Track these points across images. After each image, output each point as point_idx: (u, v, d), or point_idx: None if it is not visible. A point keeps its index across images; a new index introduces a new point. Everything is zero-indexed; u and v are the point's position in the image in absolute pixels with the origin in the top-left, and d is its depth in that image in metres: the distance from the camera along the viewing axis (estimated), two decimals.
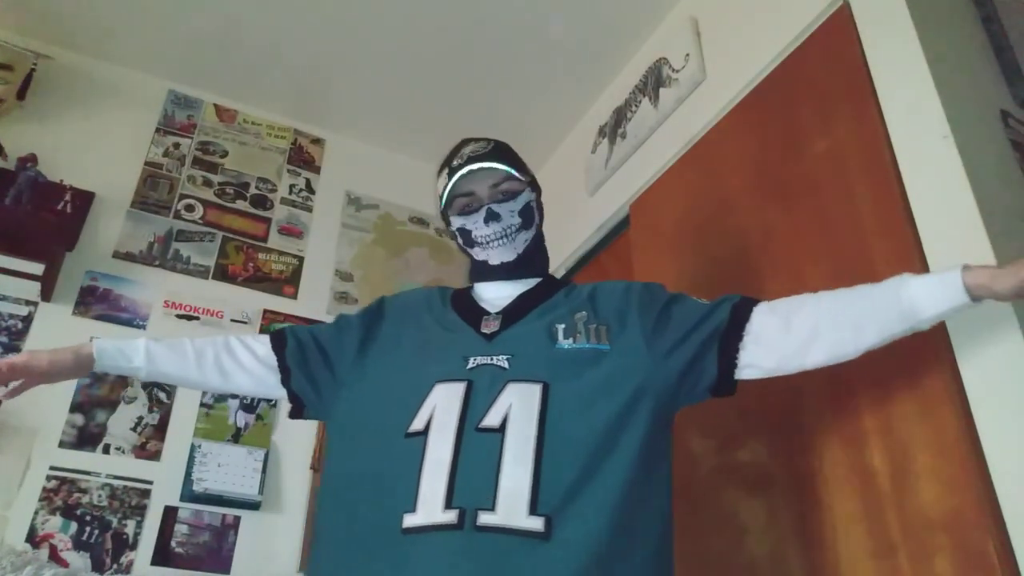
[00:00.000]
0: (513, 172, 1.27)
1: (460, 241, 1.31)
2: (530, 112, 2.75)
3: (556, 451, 1.02)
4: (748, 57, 1.89)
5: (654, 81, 2.29)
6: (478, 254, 1.29)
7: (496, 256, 1.27)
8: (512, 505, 0.98)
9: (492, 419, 1.04)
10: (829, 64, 1.64)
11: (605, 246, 2.49)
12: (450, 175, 1.26)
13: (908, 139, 1.40)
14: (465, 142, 1.31)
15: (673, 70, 2.20)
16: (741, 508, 1.58)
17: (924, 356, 1.26)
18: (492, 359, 1.13)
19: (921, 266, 1.30)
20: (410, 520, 0.99)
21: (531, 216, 1.29)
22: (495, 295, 1.28)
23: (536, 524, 0.97)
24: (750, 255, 1.74)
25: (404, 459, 1.05)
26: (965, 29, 1.58)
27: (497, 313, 1.23)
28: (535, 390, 1.07)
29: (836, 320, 1.06)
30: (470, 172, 1.24)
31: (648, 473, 1.08)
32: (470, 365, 1.13)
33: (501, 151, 1.29)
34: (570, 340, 1.15)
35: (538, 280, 1.30)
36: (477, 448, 1.03)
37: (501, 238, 1.25)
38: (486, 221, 1.24)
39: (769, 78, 1.82)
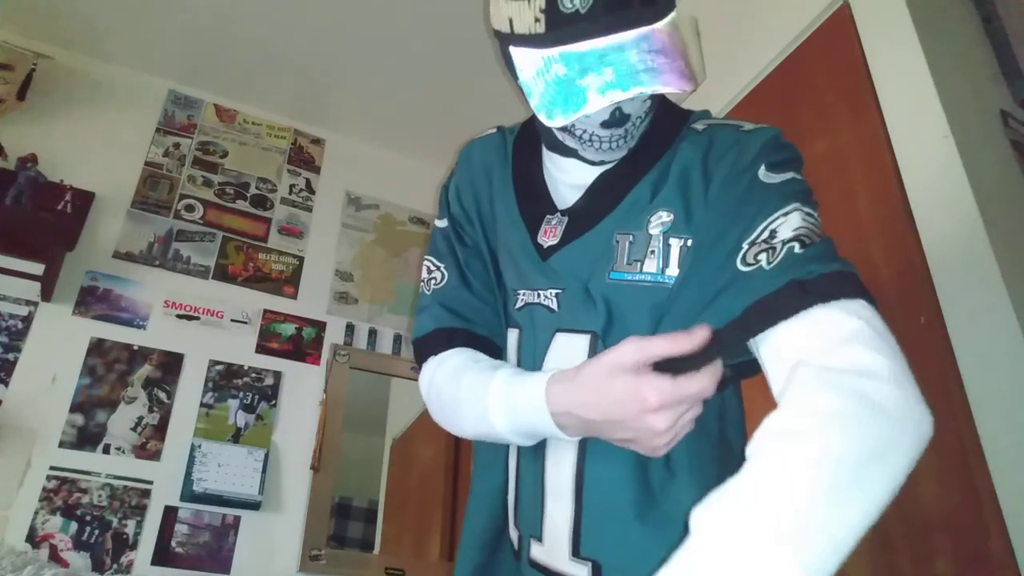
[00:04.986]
0: (670, 31, 0.70)
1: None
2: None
3: (599, 467, 0.71)
4: (748, 57, 1.89)
5: None
6: (567, 140, 0.79)
7: (597, 156, 0.79)
8: (555, 541, 0.71)
9: None
10: (829, 64, 1.64)
11: None
12: (550, 23, 0.69)
13: (908, 139, 1.40)
14: None
15: None
16: None
17: (924, 356, 1.26)
18: (539, 295, 0.77)
19: (921, 266, 1.30)
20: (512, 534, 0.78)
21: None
22: (574, 180, 0.83)
23: (581, 572, 0.69)
24: None
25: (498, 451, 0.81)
26: (965, 29, 1.58)
27: (563, 213, 0.81)
28: (582, 346, 0.72)
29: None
30: (604, 43, 0.68)
31: None
32: (518, 304, 0.79)
33: None
34: (635, 266, 0.72)
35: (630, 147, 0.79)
36: (527, 452, 0.75)
37: (618, 140, 0.77)
38: (606, 125, 0.75)
39: (769, 78, 1.82)
